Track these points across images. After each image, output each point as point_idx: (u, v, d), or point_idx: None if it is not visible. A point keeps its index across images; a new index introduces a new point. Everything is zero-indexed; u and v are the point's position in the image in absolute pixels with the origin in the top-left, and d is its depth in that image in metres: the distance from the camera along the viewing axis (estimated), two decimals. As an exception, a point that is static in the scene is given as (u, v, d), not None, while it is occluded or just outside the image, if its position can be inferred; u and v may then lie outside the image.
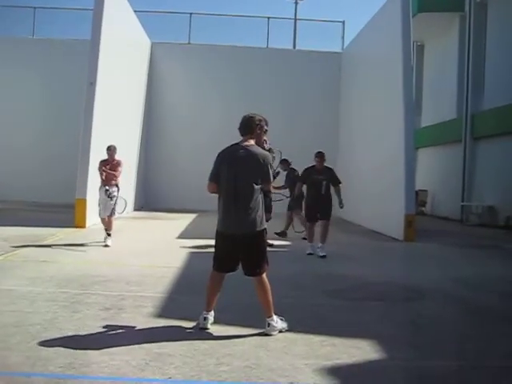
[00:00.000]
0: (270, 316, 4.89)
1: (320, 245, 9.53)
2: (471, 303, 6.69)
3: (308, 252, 9.64)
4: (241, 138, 5.12)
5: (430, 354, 4.66)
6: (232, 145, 5.13)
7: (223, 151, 5.12)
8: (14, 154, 19.53)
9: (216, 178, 5.05)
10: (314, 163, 9.75)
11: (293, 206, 11.78)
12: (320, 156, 9.75)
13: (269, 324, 4.87)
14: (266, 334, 4.83)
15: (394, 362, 4.44)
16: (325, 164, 9.79)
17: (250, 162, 4.94)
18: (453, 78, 20.73)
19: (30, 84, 19.87)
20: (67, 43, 19.59)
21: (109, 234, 10.10)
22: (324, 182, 9.61)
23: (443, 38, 22.15)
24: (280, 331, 4.90)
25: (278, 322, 4.92)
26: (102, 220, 10.30)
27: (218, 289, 5.06)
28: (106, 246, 9.88)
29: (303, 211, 10.70)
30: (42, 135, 19.59)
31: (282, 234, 11.68)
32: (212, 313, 5.02)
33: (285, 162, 11.32)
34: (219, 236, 5.08)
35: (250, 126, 5.09)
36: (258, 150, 5.07)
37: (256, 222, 4.93)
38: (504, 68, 17.24)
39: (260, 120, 5.14)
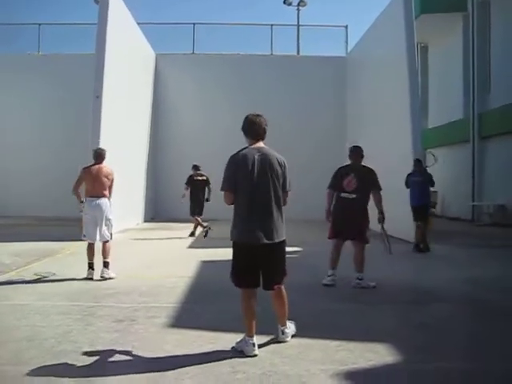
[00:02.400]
0: (285, 325, 4.85)
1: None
2: (486, 304, 6.61)
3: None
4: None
5: (447, 356, 4.60)
6: (244, 148, 4.71)
7: (236, 156, 4.65)
8: (25, 171, 19.66)
9: (233, 185, 4.57)
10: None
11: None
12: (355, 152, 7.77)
13: (283, 332, 4.83)
14: (279, 342, 4.79)
15: (411, 366, 4.40)
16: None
17: (270, 164, 4.59)
18: (458, 77, 20.67)
19: (36, 100, 19.98)
20: (73, 58, 19.70)
21: (107, 263, 7.98)
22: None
23: (447, 39, 22.10)
24: (293, 336, 4.88)
25: (290, 328, 4.89)
26: (90, 245, 8.07)
27: (253, 308, 4.61)
28: (110, 278, 7.83)
29: None
30: (51, 151, 19.64)
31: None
32: (255, 337, 4.54)
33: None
34: (238, 248, 4.68)
35: (262, 129, 4.75)
36: (274, 152, 4.71)
37: (279, 231, 4.64)
38: (509, 65, 17.16)
39: (266, 124, 4.79)
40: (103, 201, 7.99)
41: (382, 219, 7.77)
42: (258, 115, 4.82)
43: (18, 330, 5.11)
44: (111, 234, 8.16)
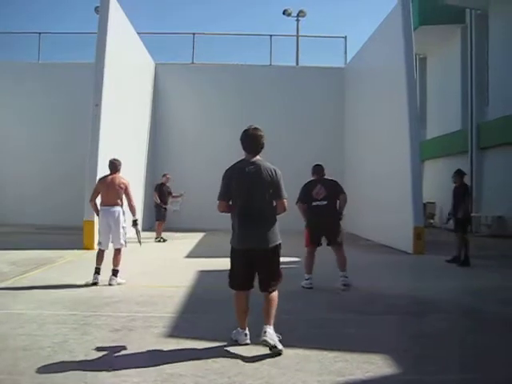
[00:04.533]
0: (269, 324, 4.80)
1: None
2: (484, 315, 6.60)
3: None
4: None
5: (446, 367, 4.58)
6: (239, 161, 5.04)
7: (231, 168, 5.03)
8: (23, 179, 19.69)
9: (227, 196, 4.98)
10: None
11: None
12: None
13: (265, 331, 4.72)
14: (264, 342, 4.68)
15: (409, 377, 4.37)
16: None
17: (261, 176, 4.87)
18: (456, 89, 20.77)
19: (36, 108, 20.01)
20: (72, 67, 19.76)
21: (116, 272, 8.14)
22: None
23: (445, 50, 22.24)
24: (272, 349, 4.67)
25: (274, 334, 4.75)
26: (101, 252, 8.28)
27: (245, 308, 4.99)
28: (118, 284, 8.03)
29: None
30: (49, 159, 19.68)
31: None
32: (247, 329, 4.99)
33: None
34: (235, 253, 5.01)
35: (260, 146, 4.99)
36: (267, 164, 4.99)
37: (272, 236, 4.90)
38: (507, 77, 17.25)
39: (264, 139, 5.00)
40: (116, 209, 8.20)
41: (339, 218, 8.28)
42: (256, 129, 5.02)
43: (13, 339, 5.09)
44: (125, 242, 8.32)
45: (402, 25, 14.00)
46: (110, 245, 8.36)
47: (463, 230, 11.00)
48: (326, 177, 8.43)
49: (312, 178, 8.42)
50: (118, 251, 8.21)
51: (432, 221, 21.00)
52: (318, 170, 8.46)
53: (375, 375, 4.32)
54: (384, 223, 14.56)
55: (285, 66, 21.78)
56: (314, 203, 8.11)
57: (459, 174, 11.15)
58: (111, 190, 8.21)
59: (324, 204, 8.08)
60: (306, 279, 8.00)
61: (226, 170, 5.04)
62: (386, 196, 14.63)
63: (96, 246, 8.37)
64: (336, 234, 8.17)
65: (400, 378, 4.34)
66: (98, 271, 8.07)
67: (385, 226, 14.50)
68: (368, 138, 17.18)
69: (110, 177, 8.35)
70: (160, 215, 15.12)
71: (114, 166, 8.44)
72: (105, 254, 8.25)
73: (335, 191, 8.23)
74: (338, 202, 8.22)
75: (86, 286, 7.89)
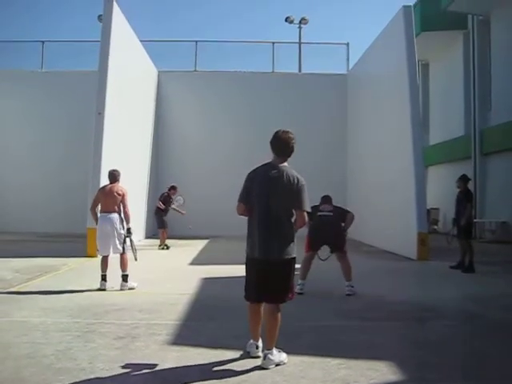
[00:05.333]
0: (270, 349, 4.60)
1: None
2: (487, 322, 6.57)
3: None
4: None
5: (450, 375, 4.57)
6: (264, 164, 4.82)
7: (254, 171, 4.83)
8: (25, 187, 19.76)
9: (245, 198, 4.75)
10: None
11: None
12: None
13: (265, 356, 4.57)
14: (263, 368, 4.55)
15: (414, 384, 4.36)
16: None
17: (282, 182, 4.63)
18: (459, 94, 20.76)
19: (39, 116, 20.12)
20: (75, 75, 19.85)
21: (125, 277, 8.39)
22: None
23: (448, 56, 22.25)
24: (278, 364, 4.59)
25: (275, 355, 4.60)
26: (104, 258, 8.51)
27: (257, 319, 4.80)
28: (131, 289, 8.30)
29: None
30: (52, 166, 19.78)
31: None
32: (260, 340, 4.82)
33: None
34: (249, 262, 4.81)
35: (289, 149, 4.81)
36: (292, 171, 4.73)
37: (290, 248, 4.66)
38: (510, 82, 17.23)
39: (294, 142, 4.84)
40: (113, 215, 8.38)
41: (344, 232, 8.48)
42: (286, 132, 4.87)
43: (17, 347, 5.08)
44: (124, 249, 8.42)
45: (404, 31, 14.04)
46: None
47: (466, 237, 10.95)
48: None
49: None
50: (122, 256, 8.38)
51: (436, 227, 20.94)
52: (326, 199, 8.58)
53: (379, 382, 4.30)
54: (387, 229, 14.54)
55: (287, 72, 21.82)
56: (320, 213, 8.26)
57: (463, 179, 11.10)
58: (109, 198, 8.44)
59: (330, 215, 8.28)
60: (298, 284, 7.91)
61: (249, 173, 4.85)
62: (390, 202, 14.61)
63: (97, 252, 8.60)
64: (338, 242, 8.27)
65: (405, 385, 4.32)
66: (104, 278, 8.28)
67: (388, 232, 14.48)
68: (371, 145, 17.17)
69: (108, 186, 8.62)
70: (163, 223, 15.28)
71: (114, 176, 8.69)
72: (109, 259, 8.39)
73: (341, 212, 8.44)
74: (342, 219, 8.36)
75: (97, 290, 8.11)
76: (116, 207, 8.40)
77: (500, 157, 18.09)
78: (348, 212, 8.51)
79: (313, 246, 8.28)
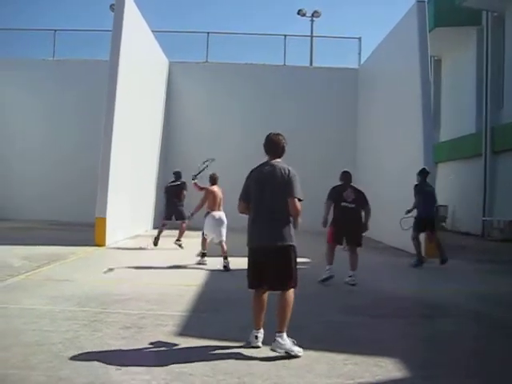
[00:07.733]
0: (281, 332, 4.77)
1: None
2: (493, 319, 6.57)
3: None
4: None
5: (455, 372, 4.56)
6: (261, 163, 5.19)
7: (252, 171, 5.19)
8: (38, 176, 19.88)
9: (245, 196, 5.12)
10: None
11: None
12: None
13: (275, 340, 4.75)
14: (272, 350, 4.73)
15: (419, 381, 4.36)
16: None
17: (275, 175, 4.96)
18: (471, 91, 20.61)
19: (50, 105, 20.18)
20: (86, 64, 19.88)
21: (204, 254, 10.39)
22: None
23: (460, 52, 22.07)
24: (287, 352, 4.70)
25: (285, 340, 4.75)
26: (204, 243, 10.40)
27: (261, 307, 4.98)
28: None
29: None
30: (64, 156, 19.81)
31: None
32: (262, 330, 4.96)
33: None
34: (250, 252, 5.07)
35: (279, 148, 5.14)
36: (283, 164, 5.07)
37: (284, 235, 4.90)
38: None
39: (285, 143, 5.17)
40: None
41: (364, 230, 8.85)
42: (277, 134, 5.22)
43: (25, 334, 5.13)
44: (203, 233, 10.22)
45: (417, 26, 13.93)
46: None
47: (417, 230, 11.29)
48: (352, 184, 8.89)
49: (339, 183, 8.85)
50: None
51: (444, 224, 20.87)
52: (347, 176, 8.88)
53: (384, 379, 4.31)
54: (396, 226, 14.47)
55: (298, 66, 21.75)
56: (343, 204, 8.56)
57: (419, 172, 11.37)
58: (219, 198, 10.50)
59: (352, 207, 8.55)
60: (327, 269, 8.45)
61: (249, 173, 5.22)
62: (399, 198, 14.53)
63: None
64: (358, 237, 8.71)
65: (409, 381, 4.32)
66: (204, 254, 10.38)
67: (396, 229, 14.41)
68: (381, 140, 17.10)
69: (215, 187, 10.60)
70: (182, 214, 13.71)
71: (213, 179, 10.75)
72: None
73: (362, 200, 8.69)
74: (362, 211, 8.69)
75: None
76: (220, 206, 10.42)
77: (511, 155, 17.97)
78: (367, 204, 8.74)
79: (336, 239, 8.68)
